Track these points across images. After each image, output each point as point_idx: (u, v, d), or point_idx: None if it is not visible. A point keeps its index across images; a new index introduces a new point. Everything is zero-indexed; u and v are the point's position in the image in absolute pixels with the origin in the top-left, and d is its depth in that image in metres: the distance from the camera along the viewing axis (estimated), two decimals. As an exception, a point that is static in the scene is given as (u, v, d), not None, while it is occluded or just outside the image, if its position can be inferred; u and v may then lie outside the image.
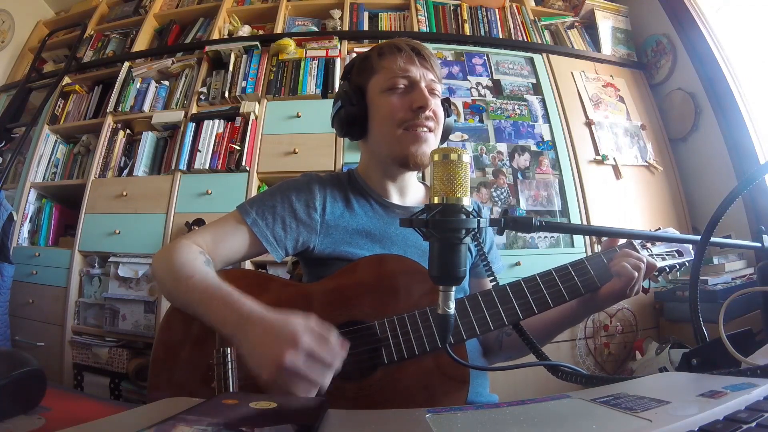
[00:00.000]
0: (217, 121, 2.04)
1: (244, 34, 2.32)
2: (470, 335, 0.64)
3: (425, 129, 0.79)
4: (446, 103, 0.87)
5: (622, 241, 0.75)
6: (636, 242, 0.75)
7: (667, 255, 0.75)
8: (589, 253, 1.87)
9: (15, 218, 1.89)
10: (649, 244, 0.75)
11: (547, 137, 2.06)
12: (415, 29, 2.25)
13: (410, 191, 0.89)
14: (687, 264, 0.75)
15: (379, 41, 2.15)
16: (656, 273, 0.72)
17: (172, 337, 0.68)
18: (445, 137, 0.88)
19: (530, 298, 0.66)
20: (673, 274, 0.75)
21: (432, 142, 0.80)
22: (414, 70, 0.79)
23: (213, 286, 0.63)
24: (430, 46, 0.86)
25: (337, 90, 0.89)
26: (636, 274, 0.67)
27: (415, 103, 0.77)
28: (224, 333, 0.59)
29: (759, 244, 0.63)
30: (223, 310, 0.59)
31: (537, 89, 2.17)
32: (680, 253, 0.76)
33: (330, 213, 0.81)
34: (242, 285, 0.68)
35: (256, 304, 0.59)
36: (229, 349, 0.60)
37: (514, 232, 1.81)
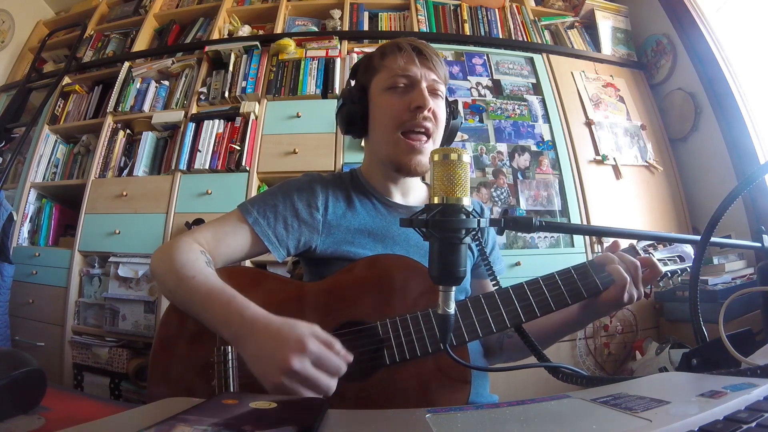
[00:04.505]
0: (217, 121, 2.03)
1: (244, 34, 2.32)
2: (472, 337, 0.64)
3: (422, 131, 0.78)
4: (453, 104, 0.86)
5: (624, 245, 0.75)
6: (639, 248, 0.74)
7: (669, 260, 0.74)
8: (589, 253, 1.87)
9: (15, 218, 1.89)
10: (651, 250, 0.74)
11: (547, 137, 2.06)
12: (415, 29, 2.25)
13: (413, 191, 0.89)
14: (689, 269, 0.74)
15: (379, 41, 2.16)
16: (658, 279, 0.71)
17: (173, 334, 0.68)
18: (450, 139, 0.87)
19: (532, 301, 0.65)
20: (675, 280, 0.75)
21: (428, 150, 0.79)
22: (414, 69, 0.79)
23: (215, 288, 0.62)
24: (433, 47, 0.86)
25: (338, 90, 0.89)
26: (628, 277, 0.65)
27: (413, 102, 0.77)
28: (226, 336, 0.59)
29: (759, 244, 0.63)
30: (226, 313, 0.58)
31: (537, 89, 2.17)
32: (682, 259, 0.75)
33: (332, 212, 0.80)
34: (243, 283, 0.68)
35: (259, 308, 0.58)
36: (230, 347, 0.60)
37: (514, 232, 1.81)
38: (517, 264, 1.79)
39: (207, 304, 0.61)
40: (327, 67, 2.09)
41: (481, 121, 2.06)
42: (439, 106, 0.81)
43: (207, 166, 1.95)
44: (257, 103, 2.02)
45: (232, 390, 0.61)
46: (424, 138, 0.79)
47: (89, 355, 1.83)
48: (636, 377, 0.47)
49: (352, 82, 0.88)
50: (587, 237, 1.89)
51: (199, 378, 0.63)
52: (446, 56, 2.19)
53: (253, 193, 1.88)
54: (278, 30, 2.25)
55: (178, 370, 0.66)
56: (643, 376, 0.47)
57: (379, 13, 2.38)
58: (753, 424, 0.30)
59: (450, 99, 0.86)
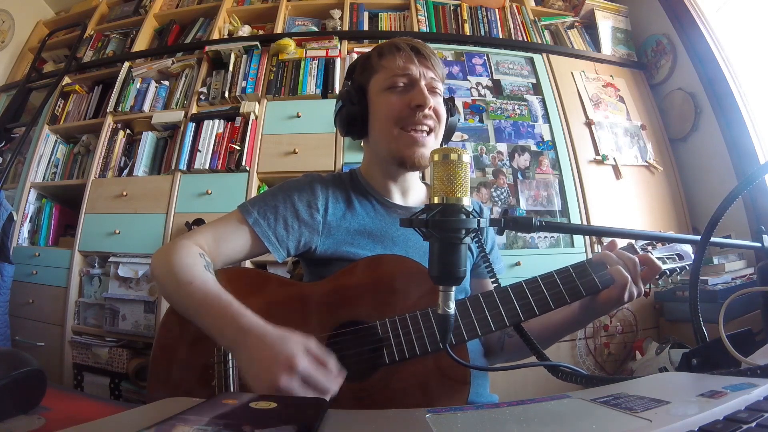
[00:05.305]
0: (217, 121, 2.03)
1: (244, 34, 2.32)
2: (472, 336, 0.64)
3: (424, 129, 0.78)
4: (450, 102, 0.86)
5: (622, 244, 0.75)
6: (637, 246, 0.74)
7: (668, 259, 0.74)
8: (589, 253, 1.87)
9: (15, 218, 1.89)
10: (650, 248, 0.74)
11: (547, 137, 2.06)
12: (415, 29, 2.25)
13: (412, 191, 0.89)
14: (687, 268, 0.74)
15: (379, 41, 2.16)
16: (657, 277, 0.71)
17: (173, 335, 0.68)
18: (448, 137, 0.88)
19: (531, 299, 0.65)
20: (673, 278, 0.75)
21: (431, 143, 0.80)
22: (413, 68, 0.79)
23: (212, 294, 0.61)
24: (430, 46, 0.86)
25: (338, 90, 0.89)
26: (628, 277, 0.66)
27: (413, 101, 0.77)
28: (222, 344, 0.59)
29: (759, 244, 0.63)
30: (221, 322, 0.58)
31: (537, 89, 2.17)
32: (681, 257, 0.75)
33: (332, 213, 0.80)
34: (242, 284, 0.68)
35: (255, 316, 0.57)
36: (229, 349, 0.60)
37: (514, 232, 1.81)
38: (517, 264, 1.79)
39: (203, 310, 0.60)
40: (327, 67, 2.09)
41: (481, 121, 2.06)
42: (439, 104, 0.81)
43: (207, 166, 1.95)
44: (257, 103, 2.02)
45: (232, 390, 0.61)
46: (426, 132, 0.79)
47: (89, 355, 1.83)
48: (636, 377, 0.47)
49: (349, 83, 0.88)
50: (587, 237, 1.89)
51: (199, 379, 0.63)
52: (446, 56, 2.19)
53: (253, 193, 1.88)
54: (278, 30, 2.25)
55: (178, 371, 0.66)
56: (643, 376, 0.47)
57: (379, 13, 2.38)
58: (753, 424, 0.30)
59: (445, 97, 0.86)
